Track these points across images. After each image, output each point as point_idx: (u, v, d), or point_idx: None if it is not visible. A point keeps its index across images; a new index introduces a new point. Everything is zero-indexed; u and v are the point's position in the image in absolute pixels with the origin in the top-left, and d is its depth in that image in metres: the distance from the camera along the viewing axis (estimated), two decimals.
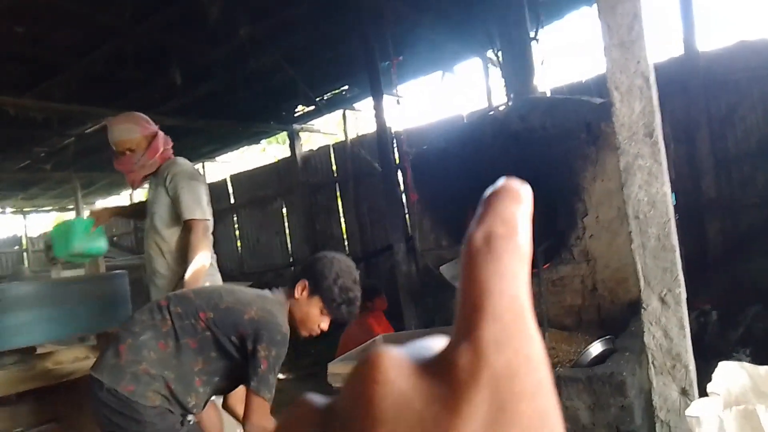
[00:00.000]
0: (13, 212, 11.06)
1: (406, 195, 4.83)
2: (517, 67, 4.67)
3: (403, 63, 5.74)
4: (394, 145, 5.66)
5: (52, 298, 2.51)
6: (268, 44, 5.01)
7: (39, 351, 2.95)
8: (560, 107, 4.18)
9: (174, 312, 1.89)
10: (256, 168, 9.69)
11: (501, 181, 0.22)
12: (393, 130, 5.70)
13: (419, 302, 4.82)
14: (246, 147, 10.77)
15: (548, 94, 5.33)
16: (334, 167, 8.37)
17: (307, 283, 2.03)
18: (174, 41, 5.05)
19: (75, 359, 3.00)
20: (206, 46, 5.17)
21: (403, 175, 4.80)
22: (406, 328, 4.60)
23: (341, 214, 8.36)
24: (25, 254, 10.76)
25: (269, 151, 14.64)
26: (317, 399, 0.20)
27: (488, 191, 0.22)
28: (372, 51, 4.70)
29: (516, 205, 0.20)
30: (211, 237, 2.76)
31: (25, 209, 11.06)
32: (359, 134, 8.36)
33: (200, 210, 2.68)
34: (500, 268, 0.18)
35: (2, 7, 4.08)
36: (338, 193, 8.35)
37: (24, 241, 10.99)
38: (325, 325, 2.08)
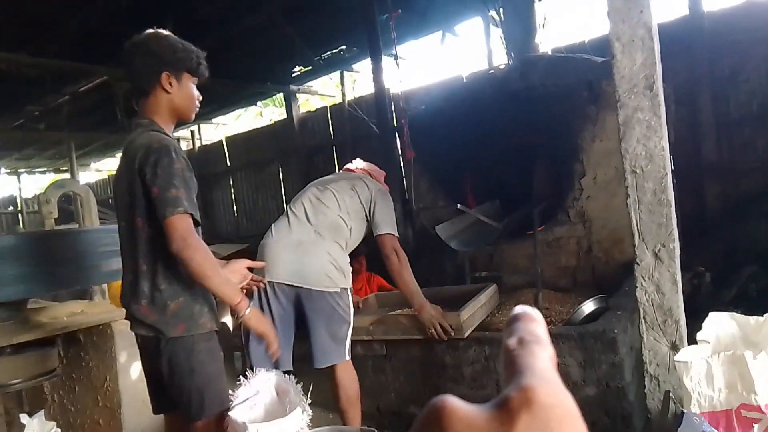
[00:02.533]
0: (7, 173, 10.98)
1: (402, 154, 4.77)
2: (519, 27, 4.57)
3: (403, 22, 5.60)
4: (392, 106, 5.59)
5: (44, 251, 2.50)
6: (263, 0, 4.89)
7: (33, 306, 2.95)
8: (561, 66, 4.10)
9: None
10: (253, 130, 9.60)
11: (519, 309, 0.30)
12: (391, 91, 5.61)
13: (415, 263, 4.81)
14: (243, 110, 10.65)
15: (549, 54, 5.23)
16: (331, 130, 8.29)
17: (168, 72, 1.86)
18: None
19: (71, 314, 3.01)
20: (201, 0, 5.05)
21: (399, 135, 4.72)
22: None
23: None
24: (20, 215, 10.72)
25: (266, 115, 14.47)
26: None
27: (511, 315, 0.30)
28: (371, 6, 4.59)
29: (535, 324, 0.28)
30: None
31: (19, 170, 10.99)
32: (356, 96, 8.24)
33: None
34: (534, 353, 0.25)
35: None
36: (336, 156, 8.29)
37: (18, 202, 10.93)
38: (198, 93, 1.99)
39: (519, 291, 3.74)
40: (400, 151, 4.98)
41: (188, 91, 1.93)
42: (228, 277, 1.90)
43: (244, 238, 8.83)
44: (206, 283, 1.77)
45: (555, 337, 2.63)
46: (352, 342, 2.82)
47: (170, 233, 1.72)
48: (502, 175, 4.83)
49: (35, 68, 5.73)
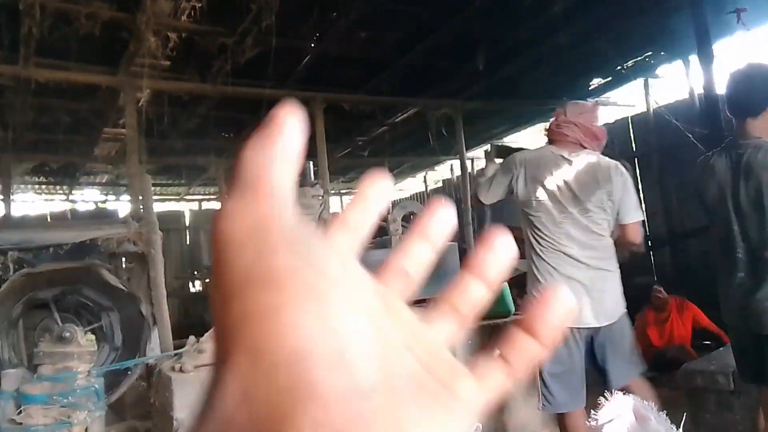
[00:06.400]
0: (333, 194, 13.12)
1: None
2: None
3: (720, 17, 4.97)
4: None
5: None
6: (579, 15, 4.89)
7: None
8: None
9: None
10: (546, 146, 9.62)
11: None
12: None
13: None
14: (532, 126, 10.76)
15: None
16: (632, 141, 7.82)
17: None
18: (484, 27, 5.29)
19: None
20: (512, 26, 5.28)
21: None
22: None
23: (641, 192, 7.77)
24: None
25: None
26: None
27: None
28: (701, 6, 4.21)
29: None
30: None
31: (342, 191, 13.02)
32: (658, 103, 7.61)
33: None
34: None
35: (349, 13, 4.79)
36: (638, 169, 7.78)
37: None
38: None
39: None
40: None
41: None
42: None
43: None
44: None
45: None
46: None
47: None
48: None
49: (369, 105, 6.73)
